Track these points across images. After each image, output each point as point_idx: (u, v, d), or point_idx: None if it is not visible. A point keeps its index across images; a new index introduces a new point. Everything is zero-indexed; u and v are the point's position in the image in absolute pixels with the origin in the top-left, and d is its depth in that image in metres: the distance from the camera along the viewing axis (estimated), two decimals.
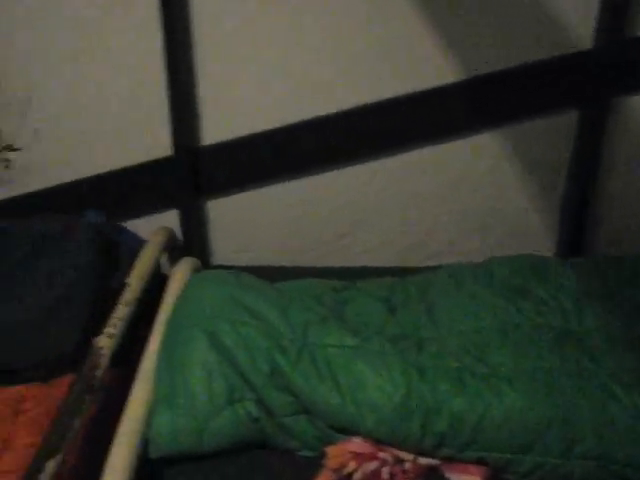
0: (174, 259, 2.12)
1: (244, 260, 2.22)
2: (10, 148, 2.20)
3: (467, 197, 2.19)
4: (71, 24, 2.03)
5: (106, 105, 2.10)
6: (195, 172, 2.11)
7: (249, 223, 2.23)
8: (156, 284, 1.97)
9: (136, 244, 2.10)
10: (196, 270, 1.99)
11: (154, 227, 2.16)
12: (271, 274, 2.00)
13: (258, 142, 2.11)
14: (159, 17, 1.95)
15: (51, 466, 1.36)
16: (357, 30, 2.01)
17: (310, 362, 1.56)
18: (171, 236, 2.12)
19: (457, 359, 1.59)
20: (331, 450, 1.52)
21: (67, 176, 2.20)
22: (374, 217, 2.22)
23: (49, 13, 2.02)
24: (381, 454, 1.50)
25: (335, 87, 2.06)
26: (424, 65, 2.04)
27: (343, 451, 1.51)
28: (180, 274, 1.92)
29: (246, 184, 2.17)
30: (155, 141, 2.10)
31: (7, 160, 2.21)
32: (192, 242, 2.18)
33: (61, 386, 1.74)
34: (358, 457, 1.49)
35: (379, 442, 1.52)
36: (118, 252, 2.02)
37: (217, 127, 2.10)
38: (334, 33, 2.01)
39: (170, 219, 2.19)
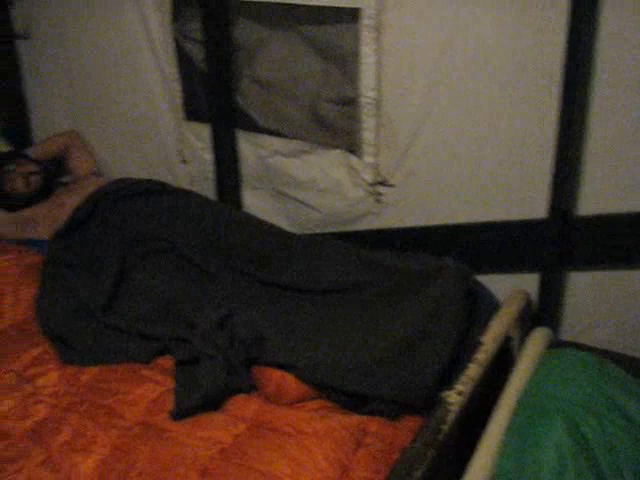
0: (523, 323, 2.06)
1: (594, 341, 2.10)
2: (384, 184, 2.30)
3: None
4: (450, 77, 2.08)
5: (485, 158, 2.11)
6: (565, 240, 2.04)
7: (608, 303, 2.09)
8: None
9: (490, 300, 2.09)
10: (548, 342, 1.91)
11: (508, 286, 2.12)
12: (623, 362, 1.86)
13: (635, 222, 1.97)
14: (559, 81, 1.90)
15: None
16: None
17: None
18: (528, 301, 2.06)
19: None
20: None
21: (433, 219, 2.25)
22: None
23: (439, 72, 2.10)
24: None
25: None
26: None
27: None
28: (534, 344, 1.86)
29: (613, 262, 2.04)
30: (530, 201, 2.05)
31: (379, 194, 2.31)
32: (545, 310, 2.10)
33: (403, 429, 1.77)
34: None
35: None
36: (477, 305, 2.00)
37: (596, 199, 2.00)
38: None
39: (525, 282, 2.14)
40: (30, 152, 3.04)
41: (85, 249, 2.44)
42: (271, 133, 2.52)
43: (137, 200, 2.55)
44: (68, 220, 2.56)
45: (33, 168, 2.88)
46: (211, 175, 2.68)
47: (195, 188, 2.73)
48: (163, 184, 2.68)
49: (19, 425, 1.88)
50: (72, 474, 1.71)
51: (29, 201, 2.84)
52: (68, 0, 2.89)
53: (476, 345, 1.80)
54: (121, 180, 2.74)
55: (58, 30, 2.99)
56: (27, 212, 2.83)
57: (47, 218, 2.78)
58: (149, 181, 2.69)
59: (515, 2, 1.91)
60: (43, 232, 2.74)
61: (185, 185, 2.76)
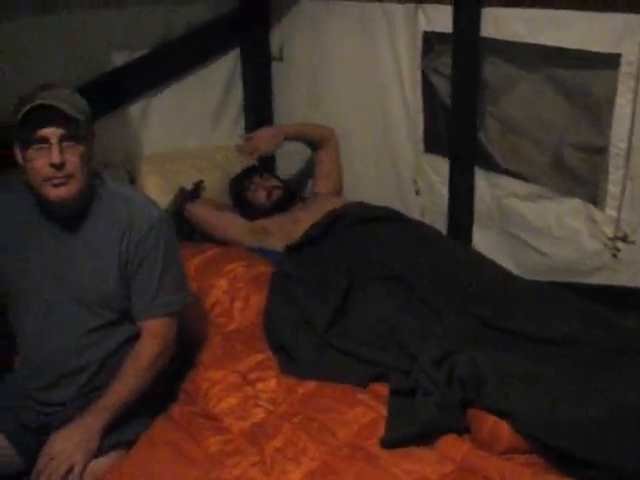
0: None
1: None
2: (625, 239, 2.20)
3: None
4: None
5: None
6: None
7: None
8: None
9: None
10: None
11: None
12: None
13: None
14: None
15: None
16: None
17: None
18: None
19: None
20: None
21: None
22: None
23: None
24: None
25: None
26: None
27: None
28: None
29: None
30: None
31: (617, 250, 2.22)
32: None
33: None
34: None
35: None
36: None
37: None
38: None
39: None
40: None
41: (315, 266, 2.54)
42: (509, 174, 2.50)
43: (373, 225, 2.63)
44: (303, 235, 2.69)
45: (276, 183, 3.07)
46: (444, 209, 2.70)
47: (425, 220, 2.76)
48: (399, 213, 2.74)
49: (239, 424, 2.00)
50: None
51: (267, 212, 3.02)
52: (321, 26, 3.05)
53: None
54: (360, 204, 2.84)
55: (309, 54, 3.17)
56: (263, 222, 3.00)
57: (281, 231, 2.92)
58: (387, 209, 2.76)
59: None
60: (275, 243, 2.89)
61: (415, 216, 2.80)
